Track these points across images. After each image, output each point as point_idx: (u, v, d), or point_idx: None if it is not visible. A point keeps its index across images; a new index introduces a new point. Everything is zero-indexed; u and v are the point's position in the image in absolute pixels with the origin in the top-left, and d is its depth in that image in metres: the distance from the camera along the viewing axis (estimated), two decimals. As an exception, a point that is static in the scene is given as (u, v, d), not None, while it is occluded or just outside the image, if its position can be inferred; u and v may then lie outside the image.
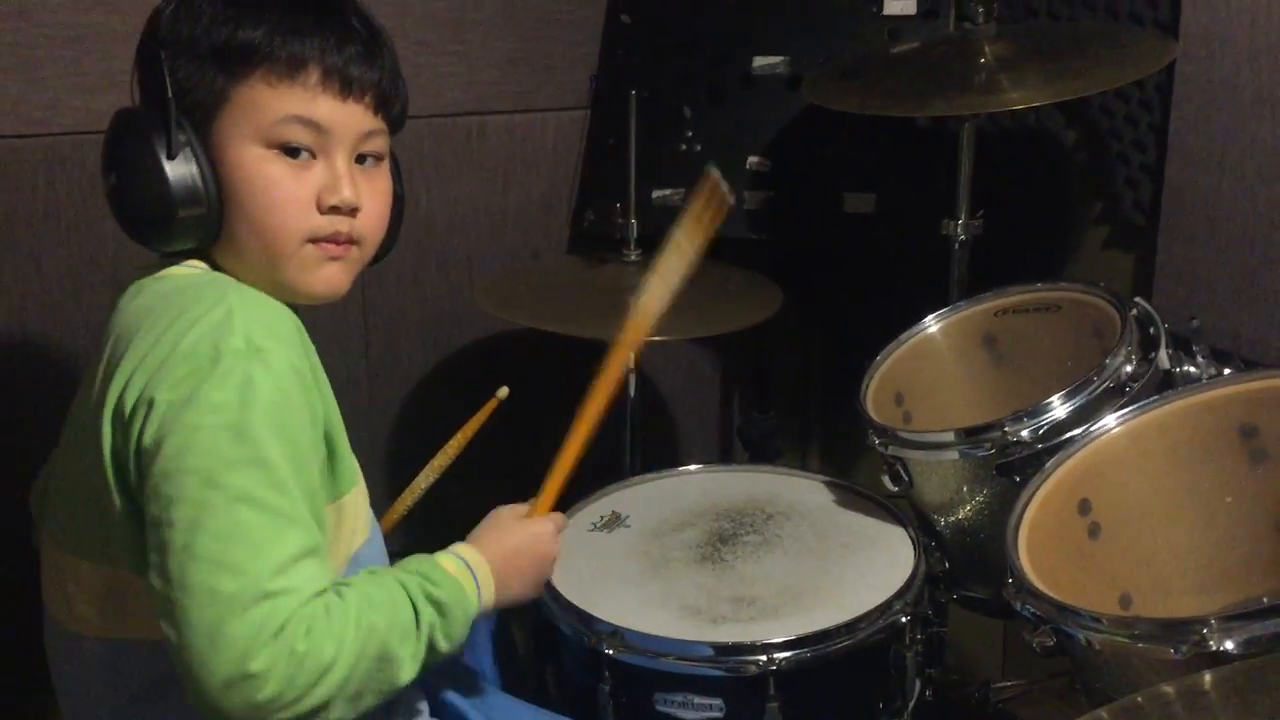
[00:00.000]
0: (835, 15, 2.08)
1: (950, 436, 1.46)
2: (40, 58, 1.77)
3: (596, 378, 1.33)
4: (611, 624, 1.39)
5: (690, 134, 2.09)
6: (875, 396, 1.64)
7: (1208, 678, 0.88)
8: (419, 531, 1.60)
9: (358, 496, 1.17)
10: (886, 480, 1.57)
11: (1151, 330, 1.45)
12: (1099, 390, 1.39)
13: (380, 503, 1.34)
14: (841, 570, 1.50)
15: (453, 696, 1.31)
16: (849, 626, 1.38)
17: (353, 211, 1.12)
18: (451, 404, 1.60)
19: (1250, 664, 0.91)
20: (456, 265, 2.19)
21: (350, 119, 1.11)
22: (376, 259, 1.20)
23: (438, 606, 1.08)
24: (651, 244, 1.93)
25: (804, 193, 2.06)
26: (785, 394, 2.47)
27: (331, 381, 1.14)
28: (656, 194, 2.07)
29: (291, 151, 1.09)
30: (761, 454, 2.19)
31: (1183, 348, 1.44)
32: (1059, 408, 1.39)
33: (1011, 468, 1.41)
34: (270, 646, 0.95)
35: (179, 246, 1.11)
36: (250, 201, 1.08)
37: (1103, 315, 1.52)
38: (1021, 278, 1.68)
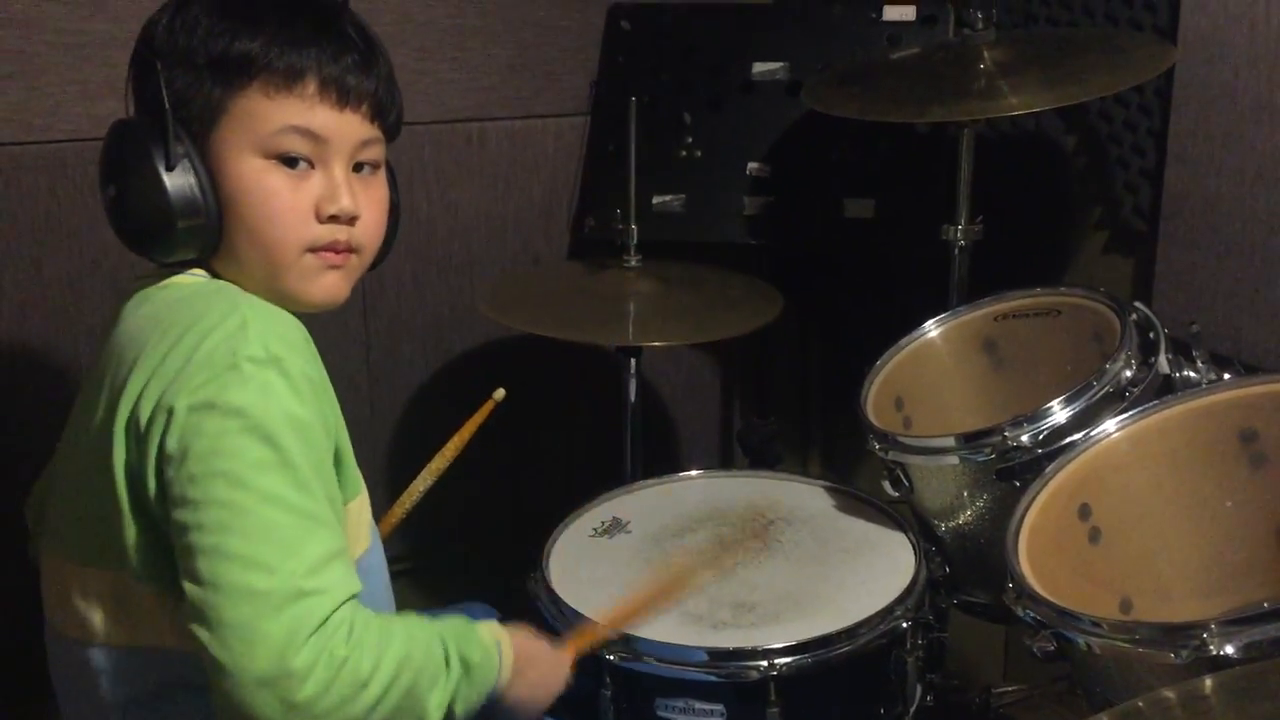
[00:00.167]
0: (835, 21, 2.08)
1: (950, 441, 1.47)
2: (42, 65, 1.77)
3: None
4: (612, 630, 1.39)
5: (690, 140, 2.10)
6: (875, 401, 1.64)
7: (1208, 682, 0.88)
8: (415, 535, 1.61)
9: (361, 505, 1.18)
10: (887, 485, 1.57)
11: (1151, 335, 1.45)
12: (1099, 395, 1.39)
13: (380, 507, 1.34)
14: (842, 575, 1.50)
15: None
16: (850, 632, 1.38)
17: (351, 220, 1.12)
18: (452, 409, 1.60)
19: (1251, 668, 0.91)
20: (457, 271, 2.19)
21: (347, 128, 1.11)
22: (372, 266, 1.21)
23: (466, 667, 1.09)
24: (652, 250, 1.95)
25: (804, 198, 2.06)
26: (785, 399, 2.47)
27: (333, 386, 1.14)
28: (657, 200, 2.07)
29: (290, 161, 1.09)
30: (762, 459, 2.19)
31: (1182, 352, 1.44)
32: (1059, 412, 1.40)
33: (1012, 472, 1.41)
34: (311, 644, 0.95)
35: (179, 257, 1.11)
36: (250, 212, 1.09)
37: (1102, 320, 1.53)
38: (1021, 283, 1.68)
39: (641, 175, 1.92)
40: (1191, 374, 1.41)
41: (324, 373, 1.10)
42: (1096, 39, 1.80)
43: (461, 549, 2.15)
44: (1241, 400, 1.32)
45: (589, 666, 1.39)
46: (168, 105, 1.07)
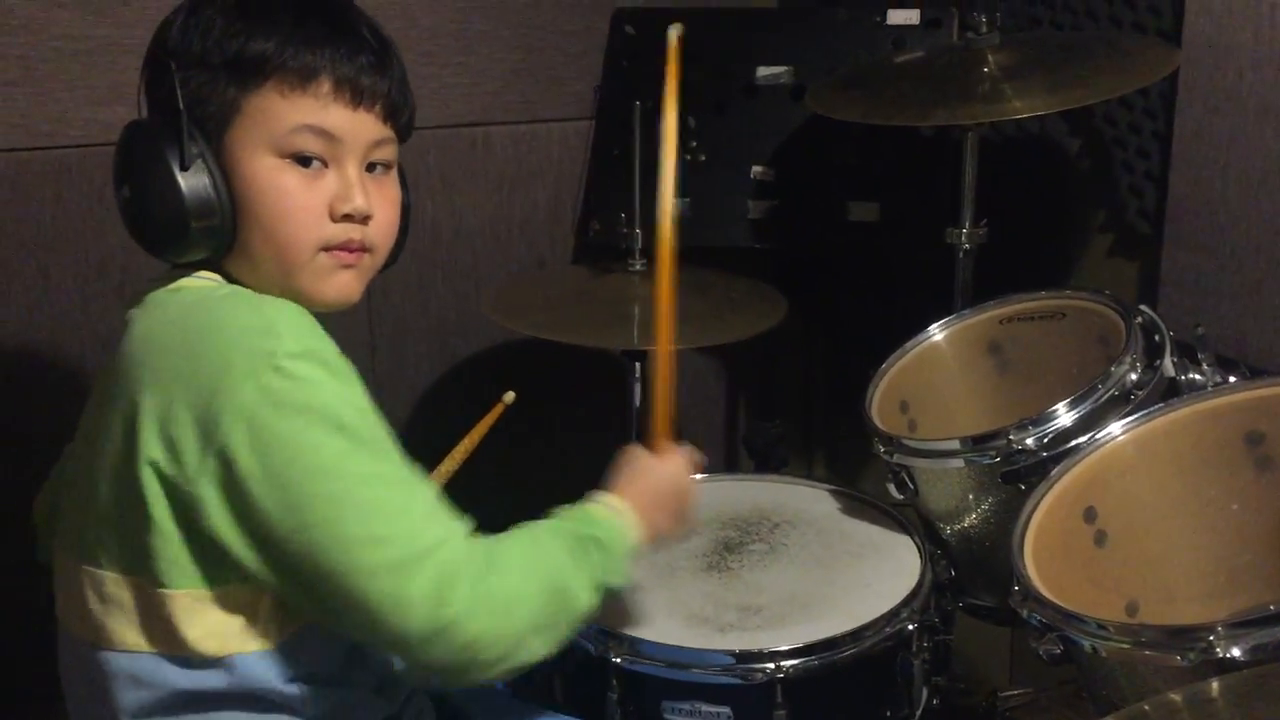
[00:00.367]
0: (839, 25, 2.08)
1: (955, 445, 1.47)
2: (48, 71, 1.78)
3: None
4: (619, 632, 1.39)
5: (695, 144, 2.10)
6: (880, 405, 1.64)
7: (1215, 685, 0.88)
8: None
9: None
10: (892, 489, 1.57)
11: (1156, 338, 1.45)
12: (1104, 398, 1.39)
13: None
14: (848, 578, 1.50)
15: (462, 702, 1.31)
16: (856, 635, 1.38)
17: (365, 220, 1.12)
18: (457, 413, 1.60)
19: (1257, 671, 0.91)
20: (462, 275, 2.19)
21: (361, 128, 1.11)
22: (384, 266, 1.21)
23: (598, 544, 1.14)
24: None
25: (808, 202, 2.07)
26: (790, 402, 2.47)
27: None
28: (661, 204, 2.07)
29: (303, 161, 1.09)
30: (767, 463, 2.19)
31: (1188, 355, 1.43)
32: (1064, 415, 1.39)
33: (1017, 475, 1.41)
34: (456, 589, 1.01)
35: (192, 257, 1.11)
36: (264, 212, 1.09)
37: (1107, 323, 1.53)
38: (1026, 286, 1.68)
39: (646, 179, 1.92)
40: (1197, 376, 1.41)
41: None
42: (1100, 42, 1.80)
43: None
44: (1247, 403, 1.32)
45: (596, 670, 1.39)
46: (182, 106, 1.07)
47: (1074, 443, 1.37)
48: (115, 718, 1.10)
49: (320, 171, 1.10)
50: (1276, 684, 0.86)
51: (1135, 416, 1.36)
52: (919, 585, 1.46)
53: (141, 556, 1.04)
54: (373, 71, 1.11)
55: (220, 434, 0.99)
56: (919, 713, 1.46)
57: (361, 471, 1.02)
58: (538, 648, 1.08)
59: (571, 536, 1.13)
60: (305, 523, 1.00)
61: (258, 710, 1.09)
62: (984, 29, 1.73)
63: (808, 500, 1.71)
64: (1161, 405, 1.36)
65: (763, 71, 2.10)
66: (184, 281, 1.11)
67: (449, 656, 1.02)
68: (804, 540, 1.60)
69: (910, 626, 1.42)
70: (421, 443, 1.08)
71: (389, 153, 1.16)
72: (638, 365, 1.91)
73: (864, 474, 2.28)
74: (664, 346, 1.35)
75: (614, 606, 1.44)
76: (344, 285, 1.14)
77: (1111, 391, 1.39)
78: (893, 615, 1.41)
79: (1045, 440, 1.39)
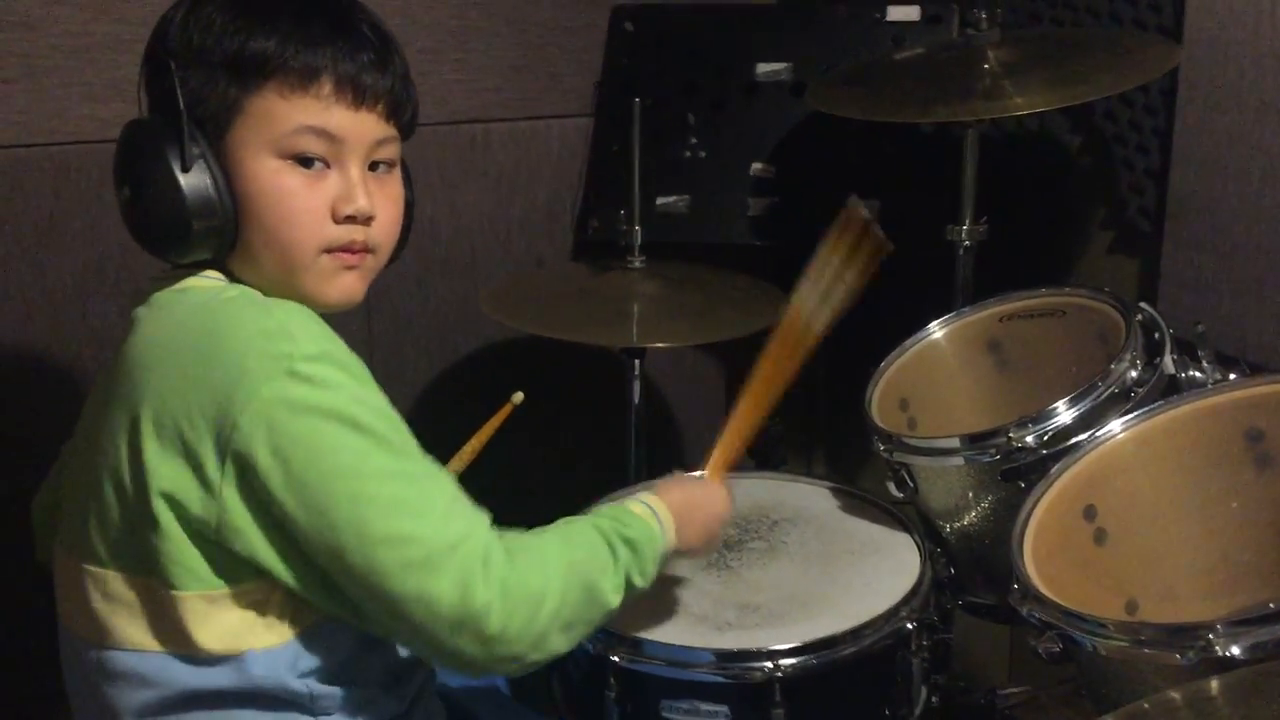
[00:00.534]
0: (839, 22, 2.08)
1: (955, 442, 1.46)
2: (46, 68, 1.78)
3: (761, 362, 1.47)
4: (617, 631, 1.39)
5: (694, 141, 2.10)
6: (880, 402, 1.64)
7: (1215, 683, 0.88)
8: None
9: None
10: (891, 486, 1.57)
11: (1156, 335, 1.45)
12: (1104, 395, 1.39)
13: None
14: (847, 577, 1.50)
15: (465, 703, 1.31)
16: (855, 633, 1.37)
17: (368, 220, 1.12)
18: (456, 411, 1.60)
19: (1257, 669, 0.91)
20: (461, 272, 2.19)
21: (363, 127, 1.11)
22: (387, 263, 1.21)
23: (630, 545, 1.15)
24: (656, 251, 1.95)
25: (808, 198, 2.06)
26: (790, 400, 2.46)
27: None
28: (660, 201, 2.07)
29: (305, 161, 1.09)
30: (766, 460, 2.19)
31: (1188, 352, 1.43)
32: (1064, 413, 1.39)
33: (1017, 473, 1.41)
34: (480, 583, 1.02)
35: (194, 258, 1.10)
36: (266, 213, 1.08)
37: (1107, 320, 1.52)
38: (1026, 283, 1.68)
39: (645, 176, 1.91)
40: (1197, 374, 1.41)
41: None
42: (1101, 39, 1.80)
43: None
44: (1247, 400, 1.32)
45: (594, 669, 1.39)
46: (182, 105, 1.06)
47: (1074, 440, 1.37)
48: (119, 719, 1.09)
49: (322, 173, 1.10)
50: (1276, 682, 0.86)
51: (1135, 414, 1.36)
52: (918, 583, 1.46)
53: (150, 559, 1.04)
54: (374, 69, 1.11)
55: (239, 438, 0.99)
56: (918, 711, 1.46)
57: (382, 470, 1.03)
58: (562, 643, 1.09)
59: (606, 535, 1.15)
60: (329, 523, 1.00)
61: (266, 709, 1.08)
62: (984, 25, 1.73)
63: (807, 498, 1.71)
64: (1161, 403, 1.36)
65: (763, 68, 2.10)
66: (190, 281, 1.11)
67: (473, 649, 1.04)
68: (803, 538, 1.60)
69: (909, 625, 1.41)
70: (419, 439, 1.08)
71: (392, 151, 1.16)
72: (637, 363, 1.91)
73: (864, 472, 2.28)
74: (756, 411, 1.45)
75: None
76: (347, 287, 1.13)
77: (1111, 389, 1.39)
78: (892, 614, 1.41)
79: (1045, 438, 1.39)
